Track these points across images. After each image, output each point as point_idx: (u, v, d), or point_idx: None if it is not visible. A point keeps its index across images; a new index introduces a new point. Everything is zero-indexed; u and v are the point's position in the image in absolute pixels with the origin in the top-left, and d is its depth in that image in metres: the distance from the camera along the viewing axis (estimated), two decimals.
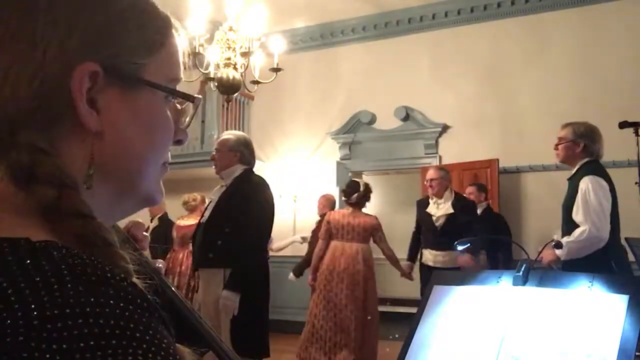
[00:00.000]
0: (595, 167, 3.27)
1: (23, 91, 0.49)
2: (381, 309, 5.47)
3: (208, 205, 3.42)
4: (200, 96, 0.63)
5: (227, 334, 3.09)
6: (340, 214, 4.99)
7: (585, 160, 3.31)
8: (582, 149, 3.29)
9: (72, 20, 0.50)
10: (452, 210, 4.64)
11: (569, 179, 3.42)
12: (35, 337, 0.36)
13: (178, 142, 0.61)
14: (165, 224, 6.29)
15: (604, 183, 3.18)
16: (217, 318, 3.18)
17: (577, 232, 3.22)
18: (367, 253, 4.85)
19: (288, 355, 5.33)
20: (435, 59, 7.14)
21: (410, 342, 0.98)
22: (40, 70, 0.49)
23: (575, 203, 3.27)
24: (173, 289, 0.65)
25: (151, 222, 6.45)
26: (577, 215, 3.22)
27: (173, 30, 0.59)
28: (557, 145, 3.42)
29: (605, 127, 5.87)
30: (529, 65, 6.63)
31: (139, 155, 0.55)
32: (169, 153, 0.61)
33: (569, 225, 3.32)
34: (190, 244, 5.55)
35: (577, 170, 3.36)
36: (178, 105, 0.60)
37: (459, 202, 4.78)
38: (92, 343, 0.37)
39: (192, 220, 5.84)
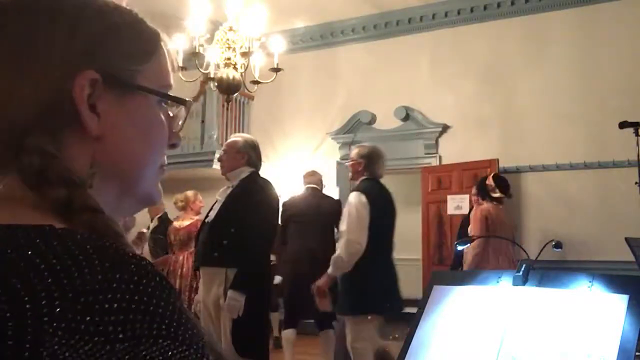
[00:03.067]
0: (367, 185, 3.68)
1: (30, 101, 0.53)
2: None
3: (214, 205, 3.45)
4: (191, 100, 0.67)
5: (227, 334, 3.10)
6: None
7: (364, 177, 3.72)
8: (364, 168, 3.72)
9: (72, 30, 0.55)
10: None
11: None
12: (71, 311, 0.40)
13: (172, 146, 0.65)
14: (165, 223, 6.29)
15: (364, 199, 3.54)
16: (217, 317, 3.20)
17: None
18: None
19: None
20: (435, 59, 7.14)
21: (410, 342, 0.98)
22: (44, 80, 0.53)
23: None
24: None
25: (151, 222, 6.45)
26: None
27: (162, 43, 0.64)
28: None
29: (605, 127, 5.92)
30: (529, 65, 6.63)
31: (137, 157, 0.59)
32: (165, 156, 0.64)
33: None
34: (189, 246, 5.47)
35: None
36: (170, 112, 0.64)
37: None
38: (121, 316, 0.41)
39: (187, 220, 5.80)
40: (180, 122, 0.65)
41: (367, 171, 3.73)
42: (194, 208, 5.92)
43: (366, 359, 3.52)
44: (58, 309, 0.40)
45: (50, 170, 0.51)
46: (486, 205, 4.78)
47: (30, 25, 0.54)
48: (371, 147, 3.89)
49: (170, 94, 0.62)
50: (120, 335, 0.40)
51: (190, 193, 5.98)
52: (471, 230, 4.78)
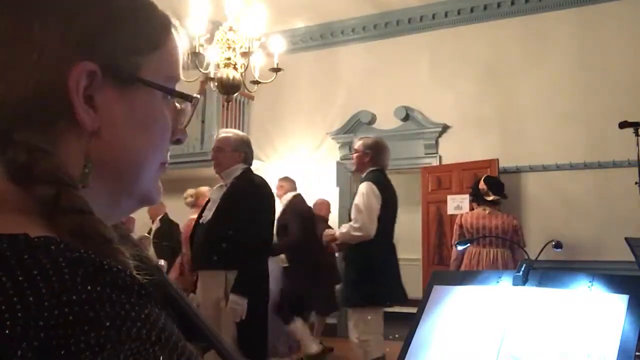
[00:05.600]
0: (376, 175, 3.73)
1: (20, 90, 0.49)
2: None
3: (207, 205, 3.40)
4: (198, 96, 0.63)
5: (228, 337, 3.09)
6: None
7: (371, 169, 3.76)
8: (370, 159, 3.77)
9: (69, 20, 0.51)
10: None
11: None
12: (34, 327, 0.37)
13: (177, 142, 0.61)
14: (167, 224, 6.28)
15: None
16: (217, 320, 3.17)
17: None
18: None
19: None
20: (435, 59, 7.14)
21: (410, 342, 0.98)
22: (37, 69, 0.49)
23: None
24: (174, 286, 0.65)
25: (152, 223, 6.44)
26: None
27: (172, 29, 0.59)
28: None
29: (605, 127, 5.92)
30: (529, 65, 6.63)
31: (136, 154, 0.55)
32: (168, 154, 0.61)
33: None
34: None
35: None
36: (177, 105, 0.60)
37: None
38: (88, 329, 0.38)
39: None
40: (186, 118, 0.62)
41: (373, 162, 3.74)
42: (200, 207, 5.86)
43: (377, 351, 3.51)
44: (19, 328, 0.37)
45: (38, 166, 0.47)
46: (471, 211, 4.92)
47: (25, 10, 0.50)
48: (376, 138, 3.95)
49: (176, 89, 0.58)
50: (96, 349, 0.37)
51: (204, 189, 5.81)
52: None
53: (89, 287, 0.40)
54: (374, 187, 3.57)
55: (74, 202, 0.47)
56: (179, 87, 0.60)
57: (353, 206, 3.62)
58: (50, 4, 0.51)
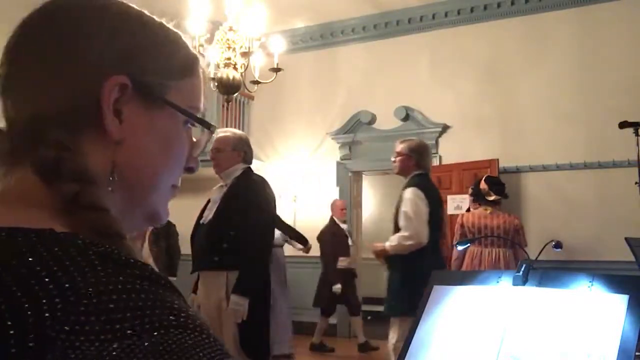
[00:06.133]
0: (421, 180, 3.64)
1: (58, 97, 0.54)
2: (382, 308, 5.47)
3: (207, 205, 3.39)
4: (215, 125, 0.68)
5: (229, 337, 3.08)
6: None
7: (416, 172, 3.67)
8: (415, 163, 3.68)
9: (111, 38, 0.56)
10: None
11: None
12: (75, 313, 0.40)
13: (189, 170, 0.65)
14: (168, 224, 6.24)
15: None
16: (218, 321, 3.15)
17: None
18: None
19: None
20: (435, 59, 7.14)
21: (410, 342, 0.98)
22: (76, 79, 0.54)
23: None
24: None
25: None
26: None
27: (199, 68, 0.64)
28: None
29: (605, 127, 5.92)
30: (529, 65, 6.63)
31: (154, 168, 0.59)
32: (180, 179, 0.64)
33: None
34: None
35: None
36: (194, 138, 0.64)
37: None
38: (129, 316, 0.41)
39: None
40: (200, 148, 0.65)
41: (418, 166, 3.67)
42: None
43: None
44: (59, 313, 0.40)
45: (64, 163, 0.51)
46: (472, 211, 4.89)
47: (76, 25, 0.55)
48: (419, 141, 3.86)
49: (198, 116, 0.63)
50: (129, 332, 0.40)
51: None
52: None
53: (121, 278, 0.43)
54: (419, 192, 3.49)
55: (94, 199, 0.50)
56: None
57: (401, 214, 3.50)
58: (96, 23, 0.56)
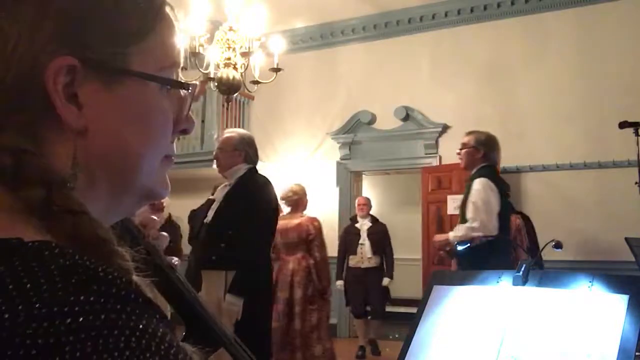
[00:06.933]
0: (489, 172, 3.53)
1: None
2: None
3: (211, 204, 3.41)
4: (196, 82, 0.60)
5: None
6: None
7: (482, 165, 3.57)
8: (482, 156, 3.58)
9: (41, 10, 0.46)
10: None
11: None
12: (21, 334, 0.35)
13: (183, 132, 0.58)
14: (172, 226, 6.25)
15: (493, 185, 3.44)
16: (219, 319, 3.17)
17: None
18: None
19: None
20: (435, 59, 7.14)
21: (410, 342, 0.98)
22: (10, 69, 0.46)
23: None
24: (186, 285, 0.63)
25: None
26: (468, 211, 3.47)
27: (167, 10, 0.54)
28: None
29: (605, 127, 5.92)
30: (529, 65, 6.63)
31: (131, 150, 0.51)
32: (174, 146, 0.58)
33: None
34: (294, 249, 4.68)
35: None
36: (182, 92, 0.56)
37: None
38: (83, 338, 0.36)
39: (296, 219, 4.74)
40: (187, 108, 0.57)
41: (485, 159, 3.57)
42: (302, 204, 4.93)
43: None
44: (5, 334, 0.35)
45: (24, 168, 0.44)
46: None
47: None
48: (487, 134, 3.75)
49: (169, 78, 0.53)
50: (77, 355, 0.35)
51: (297, 187, 4.96)
52: None
53: (82, 298, 0.37)
54: (490, 182, 3.37)
55: (65, 202, 0.44)
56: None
57: (469, 205, 3.38)
58: None
